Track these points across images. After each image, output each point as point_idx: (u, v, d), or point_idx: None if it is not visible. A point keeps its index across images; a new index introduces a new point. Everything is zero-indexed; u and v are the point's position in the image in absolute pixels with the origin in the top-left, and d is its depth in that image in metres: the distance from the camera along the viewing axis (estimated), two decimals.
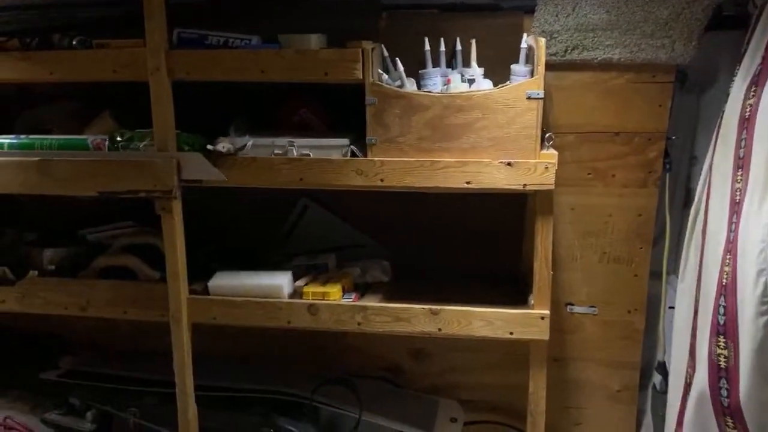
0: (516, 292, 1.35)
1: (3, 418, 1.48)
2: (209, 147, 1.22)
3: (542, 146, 1.18)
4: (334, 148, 1.23)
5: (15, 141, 1.34)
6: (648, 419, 1.48)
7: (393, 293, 1.35)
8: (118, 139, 1.29)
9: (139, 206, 1.35)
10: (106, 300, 1.36)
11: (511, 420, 1.49)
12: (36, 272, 1.41)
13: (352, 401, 1.42)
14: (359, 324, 1.27)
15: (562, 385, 1.48)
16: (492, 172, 1.16)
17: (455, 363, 1.54)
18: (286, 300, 1.30)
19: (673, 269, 1.42)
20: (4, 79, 1.29)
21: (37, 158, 1.28)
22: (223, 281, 1.33)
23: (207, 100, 1.38)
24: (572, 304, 1.45)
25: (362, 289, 1.38)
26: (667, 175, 1.35)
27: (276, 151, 1.23)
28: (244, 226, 1.58)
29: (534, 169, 1.15)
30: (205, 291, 1.34)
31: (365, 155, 1.21)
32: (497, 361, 1.51)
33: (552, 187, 1.15)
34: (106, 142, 1.30)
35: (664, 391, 1.37)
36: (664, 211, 1.36)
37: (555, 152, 1.18)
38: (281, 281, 1.32)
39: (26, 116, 1.45)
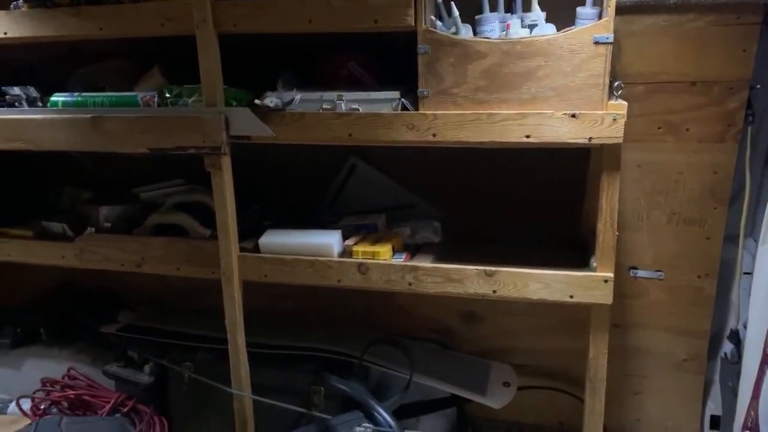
0: (576, 255, 1.28)
1: (67, 368, 1.55)
2: (257, 102, 1.19)
3: (610, 96, 1.09)
4: (384, 101, 1.17)
5: (69, 99, 1.35)
6: (716, 390, 1.40)
7: (444, 254, 1.31)
8: (167, 95, 1.28)
9: (191, 164, 1.35)
10: (159, 257, 1.38)
11: (568, 386, 1.44)
12: (93, 229, 1.44)
13: (403, 362, 1.40)
14: (410, 284, 1.24)
15: (622, 353, 1.41)
16: (554, 125, 1.07)
17: (508, 326, 1.49)
18: (336, 259, 1.28)
19: (751, 232, 1.31)
20: (56, 36, 1.28)
21: (89, 115, 1.28)
22: (274, 239, 1.32)
23: (256, 57, 1.35)
24: (636, 268, 1.37)
25: (412, 249, 1.34)
26: (749, 129, 1.23)
27: (324, 106, 1.19)
28: (293, 187, 1.57)
29: (601, 121, 1.06)
30: (256, 249, 1.33)
31: (417, 109, 1.15)
32: (553, 326, 1.45)
33: (620, 140, 1.06)
34: (155, 99, 1.29)
35: (735, 361, 1.28)
36: (744, 168, 1.25)
37: (624, 103, 1.08)
38: (331, 240, 1.29)
39: (79, 74, 1.46)
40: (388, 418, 1.23)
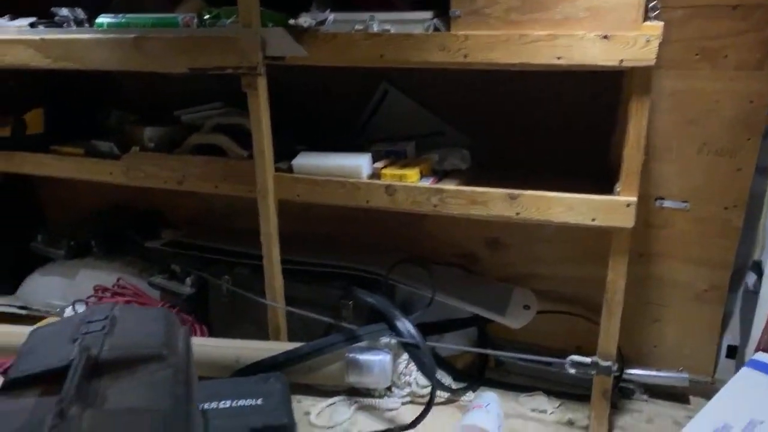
0: (602, 185, 1.29)
1: (117, 279, 1.68)
2: (291, 22, 1.22)
3: (645, 18, 1.08)
4: (416, 22, 1.18)
5: (113, 20, 1.40)
6: (735, 321, 1.42)
7: (471, 180, 1.34)
8: (206, 16, 1.32)
9: (229, 88, 1.40)
10: (198, 174, 1.45)
11: (587, 312, 1.48)
12: (138, 148, 1.52)
13: (427, 281, 1.46)
14: (435, 206, 1.28)
15: (644, 281, 1.44)
16: (586, 47, 1.07)
17: (532, 254, 1.53)
18: (365, 180, 1.33)
19: None
20: None
21: (132, 35, 1.34)
22: (306, 160, 1.38)
23: None
24: (663, 198, 1.37)
25: (440, 175, 1.38)
26: None
27: (357, 27, 1.21)
28: (325, 114, 1.61)
29: (633, 42, 1.05)
30: (290, 170, 1.39)
31: (449, 30, 1.16)
32: (576, 254, 1.48)
33: (653, 62, 1.05)
34: (195, 20, 1.33)
35: (757, 291, 1.30)
36: None
37: (660, 23, 1.07)
38: (361, 162, 1.34)
39: None
40: (412, 329, 1.31)
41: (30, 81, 1.65)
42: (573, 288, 1.51)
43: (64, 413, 0.66)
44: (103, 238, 1.77)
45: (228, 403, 1.19)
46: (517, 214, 1.22)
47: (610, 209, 1.16)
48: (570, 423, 1.32)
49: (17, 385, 0.78)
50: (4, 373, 1.12)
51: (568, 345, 1.54)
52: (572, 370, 1.28)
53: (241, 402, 1.20)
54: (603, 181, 1.31)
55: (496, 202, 1.23)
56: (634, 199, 1.14)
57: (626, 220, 1.15)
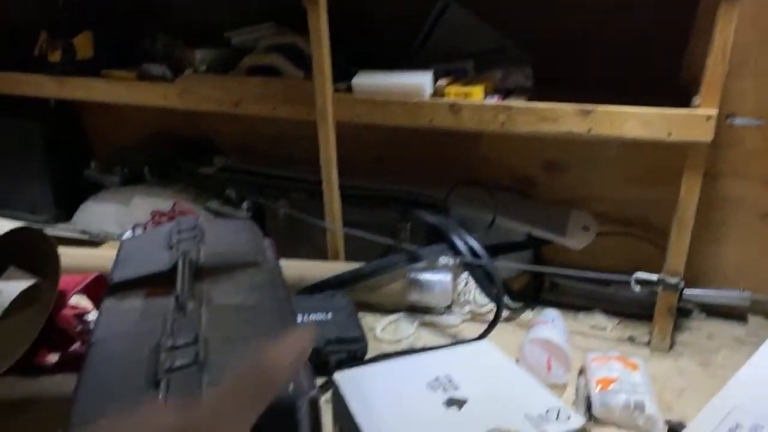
0: (675, 100, 1.25)
1: (173, 203, 1.69)
2: None
3: None
4: None
5: None
6: None
7: (536, 98, 1.30)
8: None
9: (274, 7, 1.36)
10: (256, 96, 1.43)
11: (647, 234, 1.47)
12: (191, 70, 1.50)
13: (487, 203, 1.46)
14: (503, 124, 1.25)
15: (708, 201, 1.41)
16: None
17: (590, 176, 1.51)
18: (428, 99, 1.30)
19: None
20: None
21: None
22: (366, 80, 1.35)
23: None
24: (733, 115, 1.33)
25: (503, 93, 1.34)
26: None
27: None
28: (380, 32, 1.56)
29: None
30: (349, 90, 1.37)
31: None
32: (637, 176, 1.46)
33: None
34: None
35: None
36: None
37: None
38: (423, 80, 1.31)
39: None
40: (477, 246, 1.32)
41: (77, 3, 1.62)
42: (632, 209, 1.50)
43: (184, 307, 0.68)
44: (156, 164, 1.77)
45: (300, 318, 1.22)
46: (589, 130, 1.19)
47: (688, 123, 1.13)
48: (631, 339, 1.33)
49: (122, 288, 0.80)
50: (86, 289, 1.16)
51: (623, 267, 1.54)
52: (637, 288, 1.28)
53: (313, 316, 1.23)
54: (676, 96, 1.27)
55: (568, 118, 1.20)
56: (714, 111, 1.11)
57: (705, 134, 1.12)
